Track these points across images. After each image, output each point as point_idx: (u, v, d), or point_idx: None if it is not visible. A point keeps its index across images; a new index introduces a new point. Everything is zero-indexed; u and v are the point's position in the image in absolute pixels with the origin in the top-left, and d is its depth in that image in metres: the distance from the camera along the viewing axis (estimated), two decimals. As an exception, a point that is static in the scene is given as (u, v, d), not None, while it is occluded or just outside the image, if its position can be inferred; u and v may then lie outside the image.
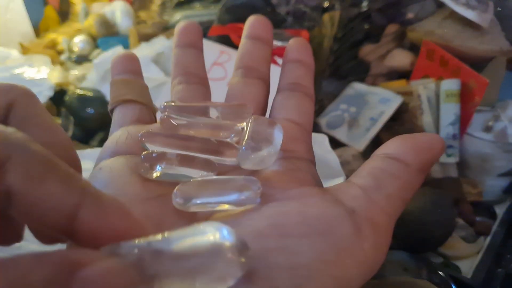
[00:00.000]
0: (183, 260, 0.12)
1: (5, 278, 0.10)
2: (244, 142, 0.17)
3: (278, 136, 0.18)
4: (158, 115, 0.21)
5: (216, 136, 0.19)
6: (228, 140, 0.19)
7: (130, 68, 0.23)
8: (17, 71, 0.70)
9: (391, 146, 0.17)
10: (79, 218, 0.12)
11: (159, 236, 0.12)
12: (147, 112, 0.22)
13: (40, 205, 0.11)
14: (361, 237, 0.14)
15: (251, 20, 0.25)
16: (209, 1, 0.82)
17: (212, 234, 0.12)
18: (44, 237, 0.15)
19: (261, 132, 0.18)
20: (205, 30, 0.73)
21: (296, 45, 0.24)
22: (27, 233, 0.37)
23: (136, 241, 0.12)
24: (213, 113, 0.20)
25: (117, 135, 0.19)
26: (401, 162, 0.16)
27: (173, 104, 0.20)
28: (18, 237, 0.15)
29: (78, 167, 0.15)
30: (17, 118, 0.15)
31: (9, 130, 0.12)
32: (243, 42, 0.25)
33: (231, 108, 0.20)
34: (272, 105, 0.23)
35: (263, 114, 0.23)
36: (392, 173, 0.16)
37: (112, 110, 0.22)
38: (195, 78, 0.23)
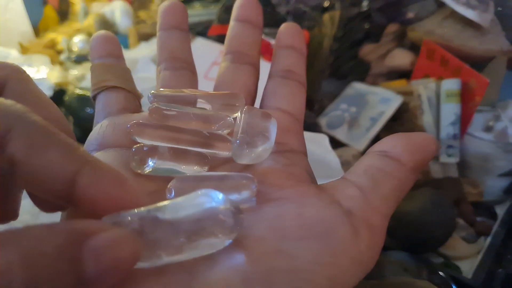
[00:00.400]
0: (181, 225, 0.12)
1: (18, 248, 0.10)
2: (238, 136, 0.17)
3: (273, 130, 0.17)
4: (144, 102, 0.20)
5: (207, 129, 0.18)
6: (220, 132, 0.18)
7: (111, 51, 0.22)
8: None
9: (387, 143, 0.17)
10: (78, 184, 0.12)
11: (158, 204, 0.13)
12: (132, 99, 0.21)
13: (41, 173, 0.12)
14: (358, 238, 0.14)
15: (240, 1, 0.24)
16: (209, 1, 0.82)
17: (206, 200, 0.13)
18: (44, 205, 0.15)
19: (255, 126, 0.17)
20: (205, 29, 0.73)
21: (288, 30, 0.23)
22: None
23: (136, 210, 0.13)
24: (204, 103, 0.19)
25: (104, 125, 0.18)
26: (396, 161, 0.16)
27: (162, 93, 0.19)
28: (14, 215, 0.16)
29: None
30: (11, 95, 0.15)
31: (9, 102, 0.12)
32: (231, 25, 0.24)
33: (222, 97, 0.19)
34: (264, 92, 0.22)
35: (253, 100, 0.23)
36: (388, 172, 0.16)
37: (94, 97, 0.21)
38: (181, 63, 0.22)
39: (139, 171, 0.16)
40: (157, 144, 0.17)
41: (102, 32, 0.22)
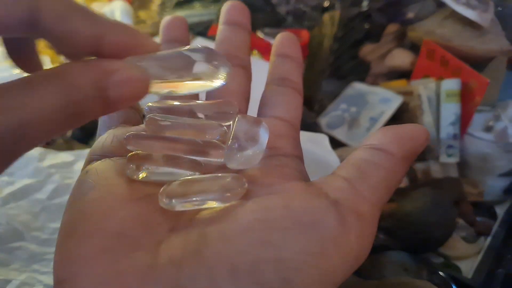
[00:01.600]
0: (171, 59, 0.16)
1: (63, 84, 0.13)
2: (229, 141, 0.17)
3: (264, 135, 0.18)
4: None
5: (201, 137, 0.19)
6: (214, 140, 0.19)
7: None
8: (17, 71, 0.70)
9: (375, 137, 0.17)
10: (104, 45, 0.15)
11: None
12: (133, 114, 0.22)
13: (69, 37, 0.14)
14: (346, 228, 0.14)
15: (226, 6, 0.25)
16: (209, 1, 0.82)
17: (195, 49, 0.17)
18: (24, 65, 0.19)
19: (246, 131, 0.18)
20: (205, 29, 0.73)
21: (284, 40, 0.24)
22: (27, 233, 0.37)
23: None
24: (198, 111, 0.20)
25: (103, 138, 0.19)
26: (385, 152, 0.16)
27: (158, 105, 0.20)
28: (41, 64, 0.20)
29: None
30: None
31: None
32: (220, 28, 0.24)
33: (216, 106, 0.20)
34: (261, 100, 0.23)
35: (247, 102, 0.23)
36: (375, 163, 0.16)
37: None
38: None
39: (134, 177, 0.17)
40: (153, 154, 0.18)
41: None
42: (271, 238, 0.14)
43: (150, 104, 0.20)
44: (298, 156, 0.20)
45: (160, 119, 0.19)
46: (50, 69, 0.14)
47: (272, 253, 0.13)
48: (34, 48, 0.20)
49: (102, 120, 0.21)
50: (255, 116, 0.22)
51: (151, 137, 0.18)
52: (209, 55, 0.17)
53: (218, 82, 0.17)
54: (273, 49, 0.24)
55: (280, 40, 0.24)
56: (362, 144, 0.17)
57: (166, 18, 0.25)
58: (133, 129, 0.20)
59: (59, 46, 0.15)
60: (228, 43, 0.24)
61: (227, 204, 0.16)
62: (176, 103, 0.20)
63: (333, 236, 0.14)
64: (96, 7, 0.95)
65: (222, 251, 0.14)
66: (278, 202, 0.15)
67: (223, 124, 0.19)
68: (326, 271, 0.14)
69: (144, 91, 0.15)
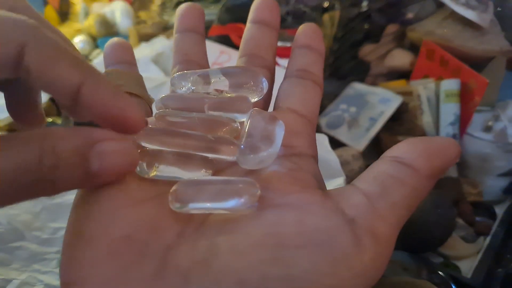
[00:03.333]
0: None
1: (42, 144, 0.13)
2: (243, 140, 0.17)
3: (279, 134, 0.17)
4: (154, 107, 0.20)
5: (213, 134, 0.18)
6: (225, 136, 0.18)
7: (124, 58, 0.22)
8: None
9: (402, 149, 0.16)
10: (82, 93, 0.14)
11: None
12: (143, 105, 0.21)
13: (53, 81, 0.14)
14: (361, 249, 0.14)
15: (257, 2, 0.24)
16: (209, 1, 0.82)
17: None
18: (21, 119, 0.19)
19: (261, 129, 0.17)
20: (205, 30, 0.73)
21: (306, 31, 0.23)
22: (27, 232, 0.37)
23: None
24: (211, 106, 0.19)
25: None
26: (410, 167, 0.15)
27: (168, 97, 0.19)
28: (43, 118, 0.19)
29: None
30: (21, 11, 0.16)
31: (23, 17, 0.14)
32: (248, 27, 0.23)
33: (230, 101, 0.19)
34: (278, 92, 0.22)
35: (267, 104, 0.22)
36: (399, 179, 0.15)
37: None
38: (195, 67, 0.22)
39: (144, 175, 0.16)
40: (162, 149, 0.17)
41: (116, 39, 0.22)
42: (281, 254, 0.13)
43: (163, 96, 0.19)
44: (313, 155, 0.19)
45: (169, 114, 0.18)
46: (36, 130, 0.13)
47: (281, 270, 0.13)
48: (36, 100, 0.19)
49: None
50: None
51: (162, 132, 0.17)
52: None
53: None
54: (295, 40, 0.23)
55: (303, 30, 0.23)
56: (387, 155, 0.16)
57: (182, 6, 0.24)
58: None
59: (40, 89, 0.15)
60: (254, 43, 0.23)
61: (239, 212, 0.15)
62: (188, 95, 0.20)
63: (346, 257, 0.13)
64: (96, 7, 0.95)
65: (231, 264, 0.13)
66: (292, 217, 0.14)
67: (236, 120, 0.18)
68: None
69: (131, 166, 0.15)
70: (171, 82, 0.20)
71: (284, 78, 0.22)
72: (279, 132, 0.17)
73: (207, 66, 0.23)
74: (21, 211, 0.38)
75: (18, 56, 0.13)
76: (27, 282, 0.32)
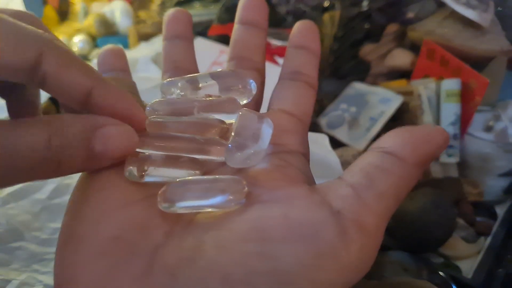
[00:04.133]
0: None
1: (51, 126, 0.14)
2: (230, 139, 0.17)
3: (266, 132, 0.17)
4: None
5: (202, 135, 0.18)
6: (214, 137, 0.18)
7: (117, 65, 0.22)
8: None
9: (388, 139, 0.16)
10: (93, 95, 0.16)
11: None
12: None
13: (66, 85, 0.15)
14: (346, 241, 0.14)
15: (243, 1, 0.23)
16: (209, 1, 0.82)
17: None
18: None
19: (248, 128, 0.17)
20: (204, 29, 0.73)
21: (301, 29, 0.23)
22: (27, 233, 0.37)
23: None
24: (201, 109, 0.19)
25: None
26: (396, 157, 0.15)
27: (159, 103, 0.19)
28: (38, 106, 0.20)
29: None
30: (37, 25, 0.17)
31: (40, 30, 0.15)
32: (235, 28, 0.23)
33: (219, 102, 0.19)
34: (271, 95, 0.22)
35: (258, 105, 0.22)
36: (385, 168, 0.15)
37: None
38: (184, 73, 0.22)
39: (133, 179, 0.17)
40: (153, 153, 0.17)
41: (110, 46, 0.23)
42: (266, 249, 0.13)
43: (153, 102, 0.19)
44: (304, 153, 0.19)
45: (160, 121, 0.18)
46: (44, 116, 0.15)
47: (266, 265, 0.13)
48: (36, 102, 0.20)
49: None
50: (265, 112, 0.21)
51: (153, 137, 0.18)
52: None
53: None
54: (290, 39, 0.23)
55: (298, 29, 0.23)
56: (372, 147, 0.16)
57: (169, 12, 0.24)
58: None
59: (52, 94, 0.16)
60: (242, 45, 0.23)
61: (226, 210, 0.15)
62: (178, 100, 0.20)
63: (331, 249, 0.13)
64: (96, 7, 0.95)
65: (217, 260, 0.13)
66: (277, 211, 0.14)
67: (226, 121, 0.19)
68: (322, 284, 0.13)
69: (131, 148, 0.16)
70: (161, 90, 0.20)
71: (278, 80, 0.22)
72: (267, 130, 0.17)
73: (197, 72, 0.23)
74: (20, 211, 0.38)
75: (36, 62, 0.14)
76: (26, 283, 0.32)
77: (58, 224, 0.38)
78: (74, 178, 0.42)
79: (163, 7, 0.89)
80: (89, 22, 0.88)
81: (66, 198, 0.40)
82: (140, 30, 0.83)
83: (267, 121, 0.17)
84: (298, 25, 0.23)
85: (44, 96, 0.67)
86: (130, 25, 0.87)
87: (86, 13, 0.94)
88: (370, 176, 0.15)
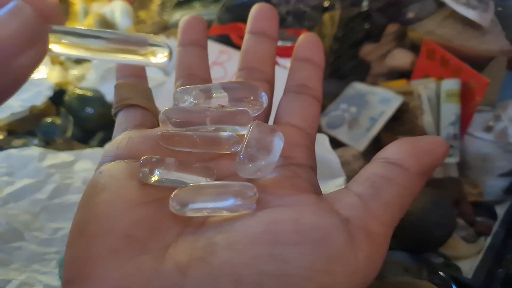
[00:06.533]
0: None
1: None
2: (242, 150, 0.17)
3: (278, 145, 0.18)
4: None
5: (214, 150, 0.19)
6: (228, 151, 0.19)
7: (134, 71, 0.23)
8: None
9: (391, 150, 0.16)
10: None
11: None
12: (150, 117, 0.22)
13: None
14: (355, 247, 0.14)
15: (254, 10, 0.24)
16: (209, 1, 0.82)
17: None
18: None
19: (260, 140, 0.17)
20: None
21: (306, 42, 0.23)
22: (27, 233, 0.37)
23: None
24: (213, 121, 0.20)
25: (119, 139, 0.19)
26: (400, 167, 0.16)
27: (172, 110, 0.20)
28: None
29: None
30: None
31: None
32: (246, 37, 0.24)
33: (231, 114, 0.20)
34: (278, 107, 0.22)
35: (267, 116, 0.23)
36: (390, 178, 0.15)
37: (116, 114, 0.22)
38: (197, 81, 0.23)
39: (146, 181, 0.17)
40: (177, 150, 0.18)
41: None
42: (278, 251, 0.14)
43: (166, 109, 0.20)
44: (311, 166, 0.19)
45: (172, 133, 0.19)
46: None
47: (277, 267, 0.13)
48: None
49: (118, 122, 0.21)
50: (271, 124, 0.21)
51: (179, 135, 0.18)
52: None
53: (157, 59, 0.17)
54: (294, 52, 0.23)
55: (302, 42, 0.23)
56: (377, 157, 0.17)
57: (185, 18, 0.24)
58: (148, 132, 0.20)
59: None
60: (252, 56, 0.23)
61: (236, 214, 0.16)
62: (191, 108, 0.20)
63: (340, 254, 0.14)
64: (96, 7, 0.95)
65: (229, 260, 0.14)
66: (288, 216, 0.15)
67: (238, 133, 0.19)
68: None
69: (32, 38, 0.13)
70: (174, 97, 0.21)
71: (284, 93, 0.22)
72: (278, 142, 0.18)
73: (210, 80, 0.23)
74: (20, 211, 0.38)
75: None
76: (26, 283, 0.32)
77: (58, 224, 0.38)
78: (74, 178, 0.42)
79: (163, 7, 0.89)
80: (89, 22, 0.88)
81: (66, 198, 0.40)
82: (140, 30, 0.83)
83: (279, 134, 0.18)
84: (302, 38, 0.23)
85: (44, 96, 0.67)
86: (130, 25, 0.87)
87: (86, 13, 0.94)
88: (376, 185, 0.15)
